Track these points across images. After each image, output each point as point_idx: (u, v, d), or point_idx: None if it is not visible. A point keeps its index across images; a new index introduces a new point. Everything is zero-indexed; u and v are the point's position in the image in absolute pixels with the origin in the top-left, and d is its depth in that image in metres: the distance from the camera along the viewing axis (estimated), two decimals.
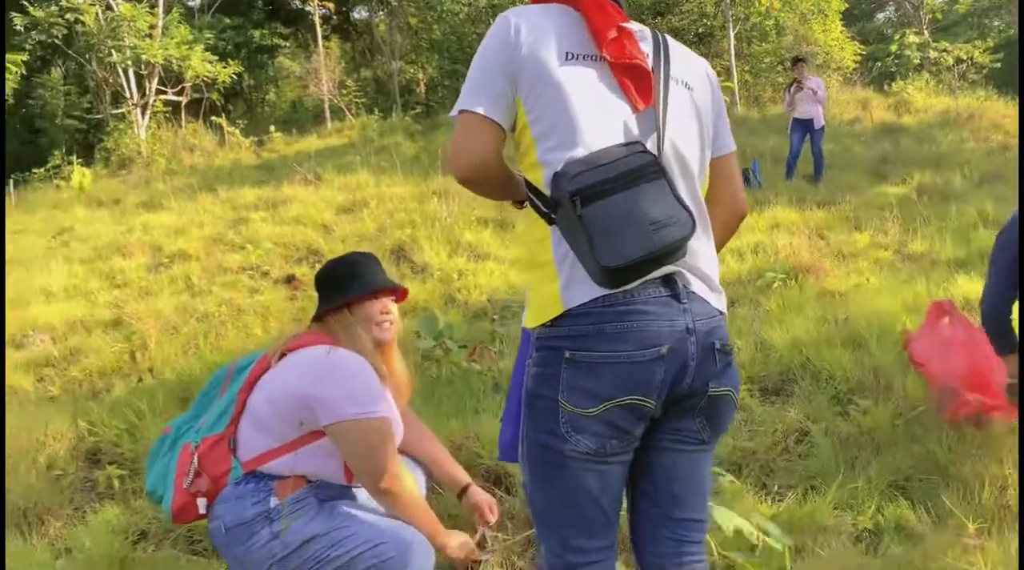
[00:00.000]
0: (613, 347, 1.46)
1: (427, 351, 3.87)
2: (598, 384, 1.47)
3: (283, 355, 2.30)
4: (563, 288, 1.50)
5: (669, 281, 1.51)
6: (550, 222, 1.53)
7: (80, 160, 13.30)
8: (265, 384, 2.24)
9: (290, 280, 6.82)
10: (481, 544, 2.44)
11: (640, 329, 1.47)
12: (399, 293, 2.45)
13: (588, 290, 1.48)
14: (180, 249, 7.62)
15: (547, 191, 1.52)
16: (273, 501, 2.14)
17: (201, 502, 2.19)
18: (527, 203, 1.62)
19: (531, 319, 1.58)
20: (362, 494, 2.41)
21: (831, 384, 3.78)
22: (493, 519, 2.49)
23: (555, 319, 1.50)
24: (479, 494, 2.52)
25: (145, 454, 3.61)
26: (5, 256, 4.20)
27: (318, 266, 7.12)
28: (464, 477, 2.55)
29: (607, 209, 1.42)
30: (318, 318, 2.37)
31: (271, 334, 5.43)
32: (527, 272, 1.65)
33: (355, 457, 2.16)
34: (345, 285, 2.34)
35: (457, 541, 2.31)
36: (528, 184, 1.59)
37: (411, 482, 2.28)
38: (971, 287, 4.99)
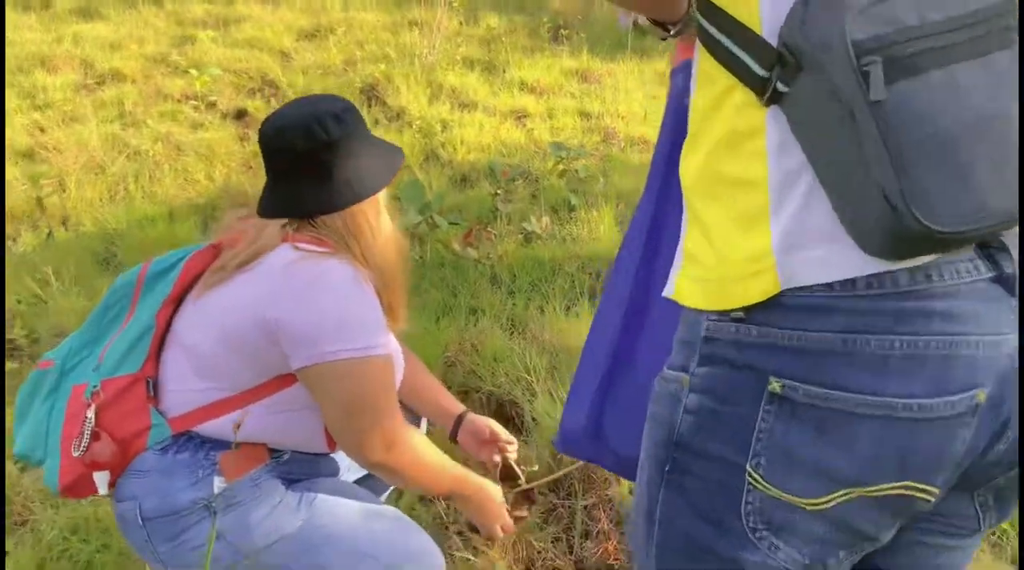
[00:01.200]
0: (883, 383, 0.74)
1: (410, 227, 3.09)
2: (838, 454, 0.77)
3: (216, 249, 1.54)
4: (783, 244, 0.76)
5: (988, 253, 0.76)
6: (767, 101, 0.75)
7: None
8: (207, 299, 1.47)
9: (240, 115, 5.85)
10: (509, 479, 1.78)
11: (943, 351, 0.73)
12: None
13: (844, 258, 0.73)
14: (114, 68, 6.53)
15: (765, 30, 0.76)
16: (218, 482, 1.42)
17: (101, 477, 1.42)
18: (699, 43, 0.85)
19: (696, 294, 0.86)
20: (347, 463, 1.70)
21: None
22: (513, 444, 1.81)
23: (756, 307, 0.78)
24: (479, 420, 1.82)
25: (48, 336, 2.88)
26: (5, 254, 3.29)
27: (274, 101, 6.33)
28: (457, 406, 1.86)
29: (938, 100, 0.66)
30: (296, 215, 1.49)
31: (216, 182, 4.57)
32: (698, 194, 0.88)
33: (341, 416, 1.42)
34: (350, 158, 1.45)
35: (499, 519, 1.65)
36: (709, 6, 0.81)
37: (417, 436, 1.53)
38: None
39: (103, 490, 1.41)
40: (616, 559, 1.89)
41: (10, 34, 7.65)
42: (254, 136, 5.37)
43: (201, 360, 1.42)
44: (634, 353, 1.21)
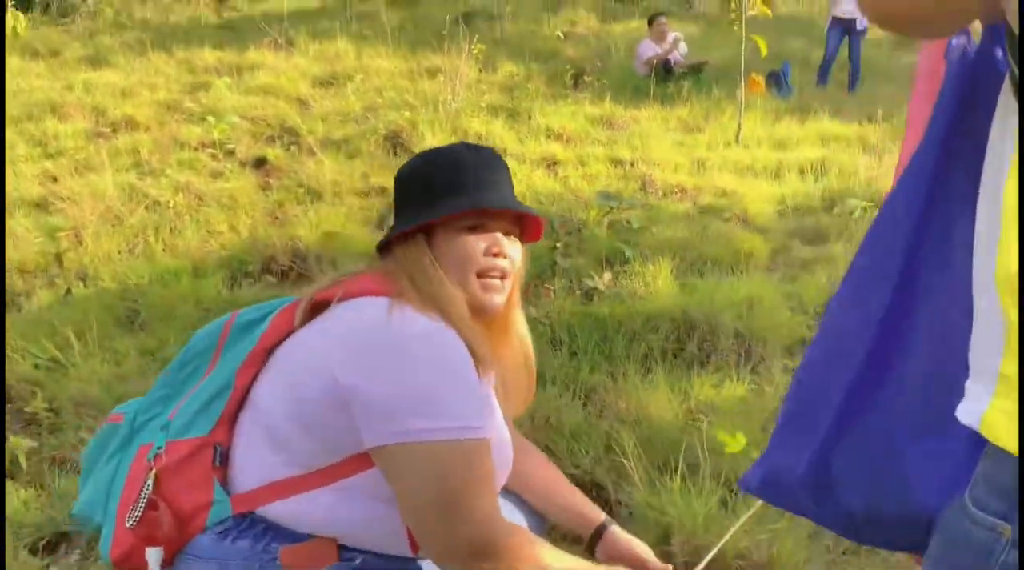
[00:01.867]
0: None
1: None
2: None
3: (318, 307, 1.29)
4: None
5: None
6: None
7: (15, 2, 11.58)
8: (284, 359, 1.27)
9: (260, 164, 5.66)
10: None
11: None
12: (527, 225, 1.40)
13: None
14: (127, 115, 6.36)
15: None
16: None
17: (154, 554, 1.22)
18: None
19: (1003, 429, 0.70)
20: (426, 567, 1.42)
21: None
22: None
23: None
24: (624, 539, 1.48)
25: (70, 406, 2.61)
26: (5, 258, 3.08)
27: (294, 148, 6.13)
28: (596, 513, 1.52)
29: None
30: (384, 247, 1.36)
31: (241, 234, 4.33)
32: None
33: (419, 510, 1.17)
34: (428, 195, 1.31)
35: None
36: None
37: (525, 540, 1.24)
38: None
39: (155, 566, 1.21)
40: None
41: (19, 82, 7.51)
42: (276, 184, 5.17)
43: (271, 429, 1.22)
44: (875, 397, 1.02)
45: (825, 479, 1.04)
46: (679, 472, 2.08)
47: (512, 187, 1.40)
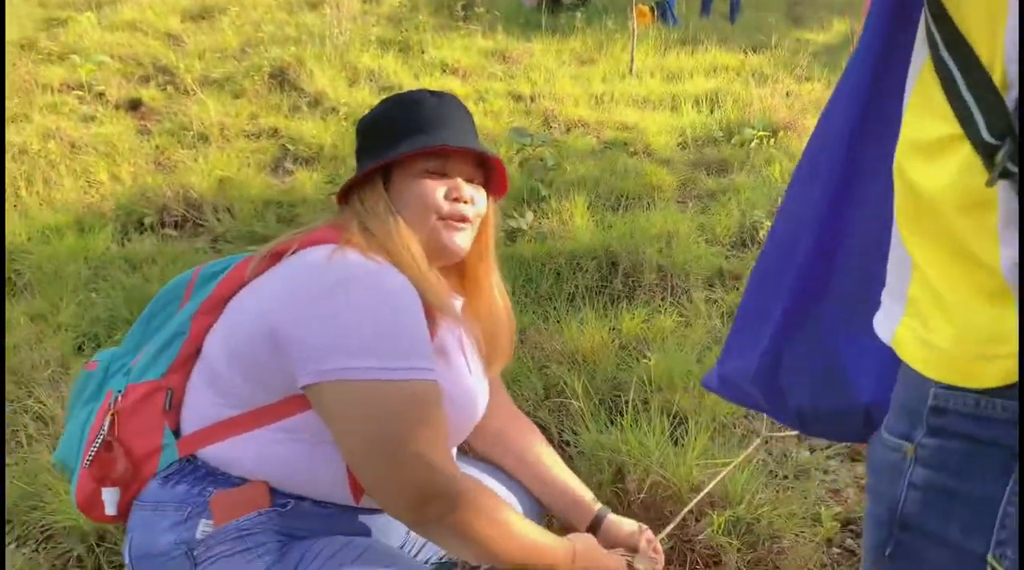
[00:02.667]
0: None
1: None
2: None
3: (274, 258, 1.25)
4: None
5: None
6: (993, 179, 0.64)
7: None
8: (232, 307, 1.25)
9: (135, 106, 5.25)
10: None
11: None
12: (493, 179, 1.36)
13: None
14: None
15: (1009, 78, 0.64)
16: (202, 526, 1.15)
17: (110, 494, 1.22)
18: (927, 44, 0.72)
19: (922, 359, 0.75)
20: (386, 526, 1.35)
21: None
22: (660, 561, 1.44)
23: (1000, 390, 0.69)
24: (624, 526, 1.45)
25: None
26: (5, 262, 2.89)
27: (170, 88, 5.73)
28: (592, 501, 1.47)
29: None
30: (343, 195, 1.32)
31: (125, 183, 4.02)
32: (926, 239, 0.75)
33: (361, 455, 1.11)
34: (388, 138, 1.28)
35: None
36: (943, 19, 0.69)
37: (480, 493, 1.17)
38: None
39: (111, 510, 1.22)
40: None
41: None
42: (155, 128, 4.83)
43: (214, 375, 1.21)
44: (818, 295, 1.05)
45: (774, 377, 1.07)
46: (630, 408, 2.07)
47: (475, 132, 1.36)
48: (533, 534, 1.21)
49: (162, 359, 1.26)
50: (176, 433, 1.23)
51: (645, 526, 1.47)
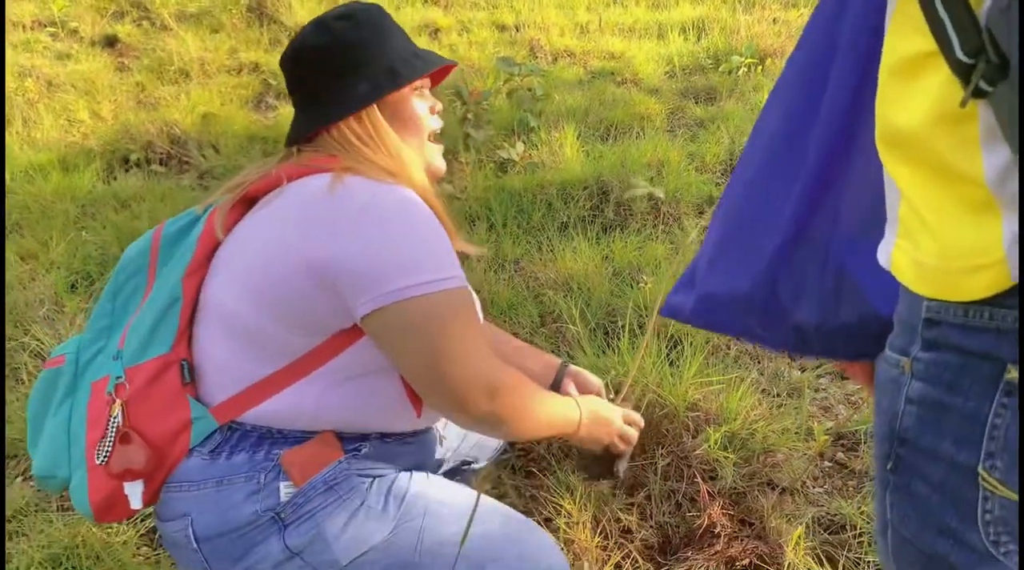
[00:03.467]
0: None
1: None
2: None
3: (251, 199, 1.21)
4: (1011, 240, 0.67)
5: None
6: (968, 97, 0.65)
7: None
8: (233, 257, 1.16)
9: (112, 43, 5.13)
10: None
11: None
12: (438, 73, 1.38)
13: None
14: None
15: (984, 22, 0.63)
16: (284, 487, 1.11)
17: (133, 488, 1.11)
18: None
19: (914, 276, 0.77)
20: (451, 440, 1.45)
21: None
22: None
23: (988, 300, 0.70)
24: (585, 374, 1.49)
25: None
26: (5, 265, 2.75)
27: (145, 23, 5.59)
28: (552, 358, 1.52)
29: None
30: (306, 136, 1.24)
31: (107, 121, 3.95)
32: (908, 161, 0.75)
33: (427, 368, 1.09)
34: (374, 64, 1.22)
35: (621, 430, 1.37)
36: None
37: (516, 374, 1.19)
38: None
39: (136, 503, 1.11)
40: (723, 528, 1.70)
41: None
42: (133, 65, 4.73)
43: (239, 331, 1.13)
44: (823, 208, 1.01)
45: (773, 297, 1.04)
46: (626, 332, 2.10)
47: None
48: (556, 406, 1.25)
49: (162, 332, 1.16)
50: (202, 403, 1.14)
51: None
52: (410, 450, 1.28)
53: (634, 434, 1.38)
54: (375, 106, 1.22)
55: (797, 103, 1.04)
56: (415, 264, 1.07)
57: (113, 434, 1.11)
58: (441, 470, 1.46)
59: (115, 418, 1.11)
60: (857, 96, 0.98)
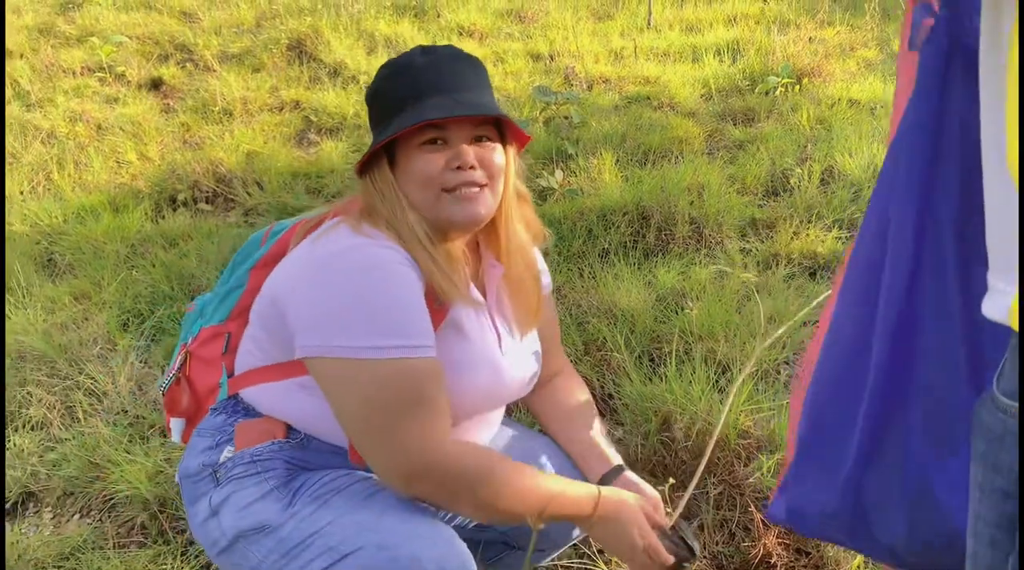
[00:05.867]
0: None
1: None
2: None
3: (315, 225, 1.29)
4: None
5: None
6: None
7: None
8: (278, 266, 1.30)
9: (157, 85, 5.27)
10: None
11: None
12: (509, 125, 1.26)
13: None
14: None
15: None
16: (226, 451, 1.25)
17: (176, 423, 1.43)
18: None
19: None
20: None
21: None
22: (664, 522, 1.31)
23: None
24: (635, 484, 1.36)
25: (10, 361, 2.43)
26: (5, 268, 2.94)
27: (189, 66, 5.74)
28: (613, 456, 1.41)
29: None
30: (361, 169, 1.28)
31: (153, 162, 4.05)
32: None
33: (349, 424, 1.15)
34: (384, 112, 1.24)
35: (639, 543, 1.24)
36: None
37: (498, 461, 1.17)
38: None
39: (176, 437, 1.42)
40: (779, 558, 1.67)
41: None
42: (178, 106, 4.85)
43: (252, 324, 1.31)
44: (896, 416, 0.96)
45: (859, 511, 1.00)
46: (673, 358, 2.08)
47: (481, 84, 1.25)
48: (548, 486, 1.18)
49: (224, 307, 1.38)
50: (231, 374, 1.34)
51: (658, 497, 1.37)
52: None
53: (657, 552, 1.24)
54: (384, 158, 1.21)
55: (858, 306, 1.01)
56: (354, 325, 1.09)
57: (172, 378, 1.39)
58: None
59: (177, 365, 1.39)
60: (909, 296, 0.96)
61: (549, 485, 1.19)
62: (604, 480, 1.36)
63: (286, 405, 1.26)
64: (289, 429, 1.26)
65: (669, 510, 1.33)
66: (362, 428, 1.12)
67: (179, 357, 1.41)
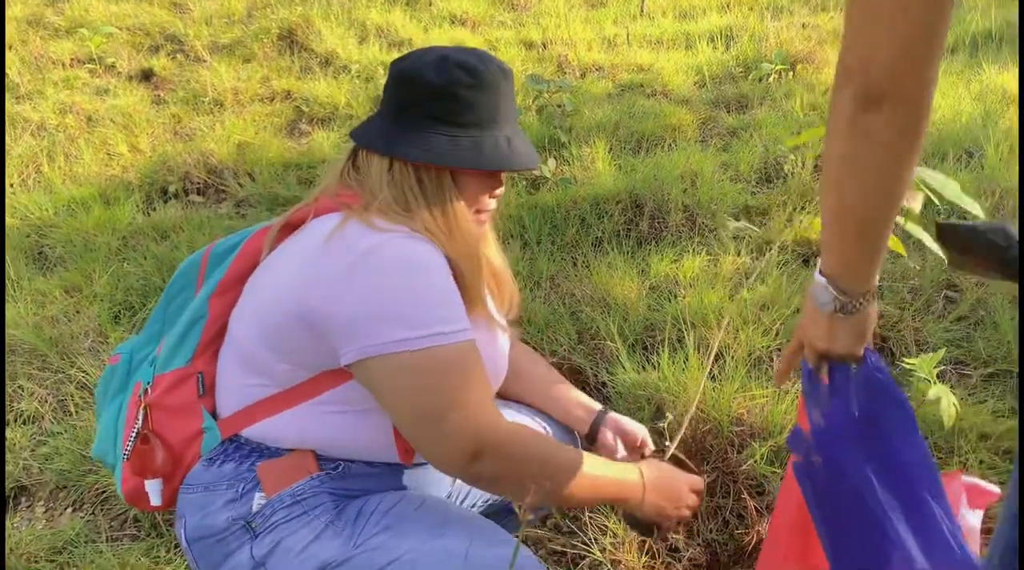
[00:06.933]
0: None
1: None
2: None
3: (288, 228, 1.26)
4: None
5: None
6: None
7: None
8: (254, 285, 1.25)
9: (148, 76, 5.23)
10: None
11: None
12: None
13: None
14: None
15: None
16: (257, 498, 1.17)
17: (153, 486, 1.24)
18: None
19: None
20: (432, 478, 1.38)
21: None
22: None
23: None
24: (623, 423, 1.49)
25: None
26: (5, 272, 2.92)
27: (180, 56, 5.71)
28: (593, 405, 1.52)
29: None
30: (371, 146, 1.22)
31: (144, 154, 4.03)
32: None
33: (410, 420, 1.12)
34: (469, 127, 1.19)
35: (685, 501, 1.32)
36: None
37: (529, 435, 1.20)
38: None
39: (155, 501, 1.24)
40: None
41: None
42: (169, 98, 4.81)
43: (247, 355, 1.20)
44: None
45: None
46: (666, 347, 2.08)
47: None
48: (598, 470, 1.21)
49: (186, 345, 1.26)
50: (214, 416, 1.24)
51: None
52: (404, 477, 1.28)
53: (691, 512, 1.34)
54: (447, 170, 1.20)
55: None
56: (404, 318, 1.07)
57: (135, 434, 1.22)
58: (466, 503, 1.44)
59: (138, 421, 1.22)
60: None
61: (600, 469, 1.22)
62: (593, 426, 1.47)
63: (311, 430, 1.19)
64: (319, 459, 1.21)
65: (667, 444, 1.50)
66: (424, 418, 1.09)
67: (131, 413, 1.25)
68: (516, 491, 1.16)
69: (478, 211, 1.25)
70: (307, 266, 1.13)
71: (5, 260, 2.96)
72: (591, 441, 1.49)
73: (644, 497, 1.26)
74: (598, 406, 1.51)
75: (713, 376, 2.05)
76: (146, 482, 1.23)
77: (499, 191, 1.27)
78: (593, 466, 1.21)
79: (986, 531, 1.23)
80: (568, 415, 1.49)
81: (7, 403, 2.35)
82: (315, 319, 1.10)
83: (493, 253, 1.39)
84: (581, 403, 1.50)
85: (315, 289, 1.10)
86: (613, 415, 1.49)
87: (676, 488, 1.30)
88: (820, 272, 0.96)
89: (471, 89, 1.17)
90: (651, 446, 1.50)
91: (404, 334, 1.06)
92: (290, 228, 1.25)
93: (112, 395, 1.32)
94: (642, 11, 6.16)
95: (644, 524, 1.33)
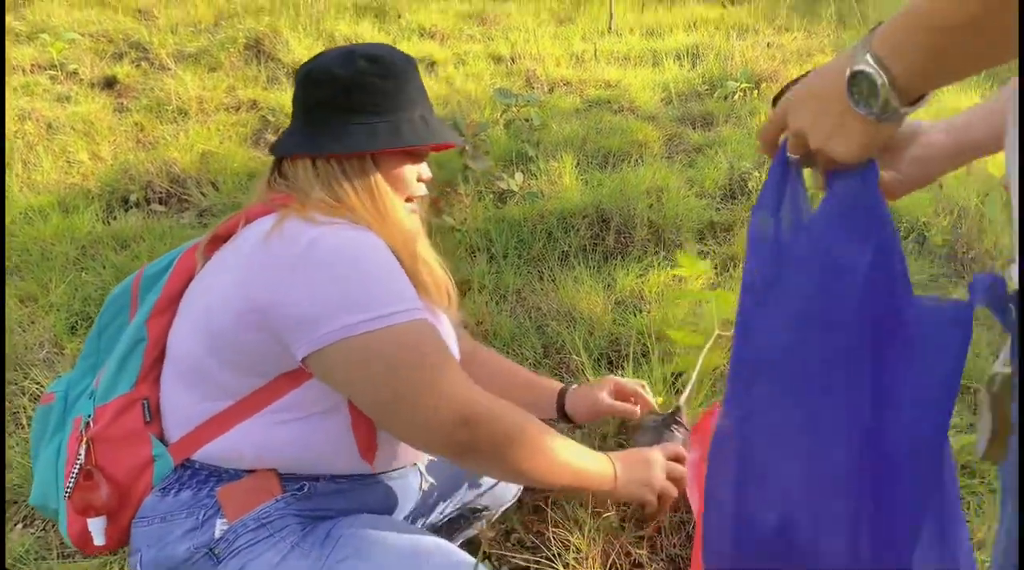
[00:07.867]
0: None
1: None
2: None
3: (217, 240, 1.23)
4: None
5: None
6: None
7: None
8: (190, 299, 1.21)
9: (110, 84, 5.16)
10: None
11: None
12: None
13: None
14: None
15: None
16: (219, 525, 1.12)
17: (96, 524, 1.16)
18: None
19: None
20: (411, 501, 1.36)
21: None
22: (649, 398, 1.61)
23: None
24: (586, 387, 1.57)
25: None
26: (5, 268, 2.89)
27: (144, 64, 5.64)
28: (553, 383, 1.60)
29: None
30: (291, 153, 1.23)
31: (106, 162, 3.96)
32: None
33: (386, 402, 1.08)
34: (385, 112, 1.22)
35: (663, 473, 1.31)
36: None
37: (506, 405, 1.15)
38: None
39: (99, 540, 1.16)
40: None
41: None
42: (132, 105, 4.75)
43: (190, 371, 1.16)
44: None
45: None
46: (630, 361, 2.08)
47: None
48: (575, 450, 1.20)
49: (127, 372, 1.20)
50: (163, 442, 1.18)
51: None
52: (371, 492, 1.26)
53: (674, 491, 1.32)
54: (368, 156, 1.21)
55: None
56: (356, 302, 1.06)
57: (77, 471, 1.15)
58: (435, 516, 1.43)
59: (80, 457, 1.15)
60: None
61: (585, 452, 1.22)
62: (561, 395, 1.56)
63: (268, 444, 1.15)
64: (282, 479, 1.17)
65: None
66: (394, 400, 1.06)
67: (72, 451, 1.18)
68: (498, 461, 1.12)
69: (409, 199, 1.27)
70: (252, 266, 1.11)
71: (5, 259, 2.88)
72: (562, 417, 1.56)
73: (616, 482, 1.24)
74: (558, 385, 1.59)
75: (676, 390, 2.05)
76: (89, 522, 1.16)
77: (426, 175, 1.29)
78: (575, 452, 1.20)
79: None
80: (535, 407, 1.50)
81: None
82: (266, 316, 1.07)
83: (426, 249, 1.34)
84: (541, 389, 1.57)
85: (263, 286, 1.08)
86: (575, 389, 1.57)
87: (648, 476, 1.28)
88: (871, 55, 0.69)
89: (379, 77, 1.20)
90: (630, 386, 1.59)
91: (360, 316, 1.05)
92: (220, 240, 1.22)
93: (49, 436, 1.25)
94: (610, 28, 6.22)
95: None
